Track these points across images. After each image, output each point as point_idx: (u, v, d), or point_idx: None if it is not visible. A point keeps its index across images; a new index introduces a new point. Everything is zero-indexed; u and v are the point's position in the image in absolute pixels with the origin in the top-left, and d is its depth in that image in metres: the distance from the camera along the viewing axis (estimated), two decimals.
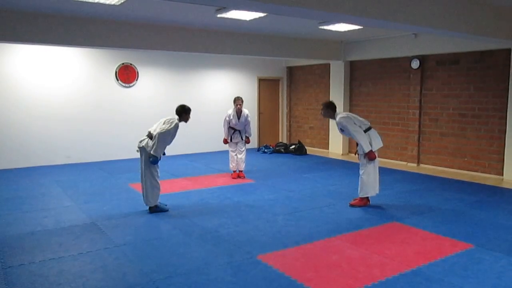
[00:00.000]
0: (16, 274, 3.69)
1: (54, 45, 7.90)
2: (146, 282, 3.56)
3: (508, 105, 7.63)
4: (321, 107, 6.16)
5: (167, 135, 5.47)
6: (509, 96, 7.61)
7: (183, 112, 5.65)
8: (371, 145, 5.81)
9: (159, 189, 5.64)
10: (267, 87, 12.50)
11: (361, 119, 6.03)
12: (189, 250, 4.28)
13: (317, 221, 5.28)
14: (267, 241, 4.55)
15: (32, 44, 7.44)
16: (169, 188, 7.04)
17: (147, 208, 5.68)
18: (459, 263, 3.95)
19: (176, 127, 5.52)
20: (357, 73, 10.70)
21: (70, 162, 9.36)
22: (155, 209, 5.61)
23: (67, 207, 5.89)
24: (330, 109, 6.05)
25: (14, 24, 6.74)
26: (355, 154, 6.18)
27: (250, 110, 11.92)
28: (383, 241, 4.55)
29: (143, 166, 5.56)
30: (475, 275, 3.69)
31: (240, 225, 5.12)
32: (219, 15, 6.68)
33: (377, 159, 5.98)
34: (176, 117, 5.61)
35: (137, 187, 7.07)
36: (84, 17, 7.25)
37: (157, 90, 10.48)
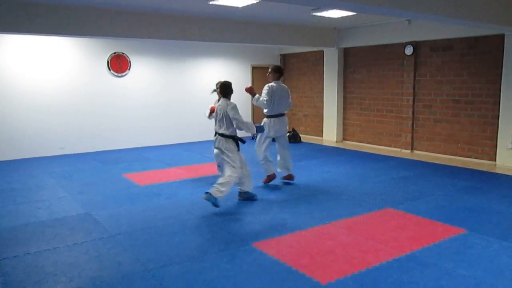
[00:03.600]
0: (11, 266, 3.69)
1: (45, 35, 7.79)
2: (141, 271, 3.58)
3: (501, 91, 7.65)
4: (269, 69, 6.40)
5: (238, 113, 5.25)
6: (502, 81, 7.63)
7: (230, 92, 5.38)
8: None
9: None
10: (260, 75, 12.44)
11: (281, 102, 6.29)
12: (184, 239, 4.29)
13: (311, 208, 5.31)
14: (262, 228, 4.57)
15: (22, 34, 7.33)
16: (164, 177, 7.04)
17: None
18: (452, 247, 4.00)
19: (235, 106, 5.24)
20: (351, 60, 10.68)
21: (63, 153, 9.31)
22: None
23: (61, 198, 5.87)
24: (277, 73, 6.34)
25: (3, 14, 6.63)
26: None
27: (243, 98, 11.93)
28: (377, 227, 4.58)
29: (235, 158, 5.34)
30: (467, 259, 3.73)
31: (235, 213, 5.13)
32: (211, 2, 6.61)
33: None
34: (225, 100, 5.34)
35: (131, 177, 7.08)
36: (75, 6, 7.14)
37: (150, 79, 10.41)
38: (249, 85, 6.23)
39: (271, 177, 6.45)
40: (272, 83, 6.27)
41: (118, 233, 4.47)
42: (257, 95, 6.17)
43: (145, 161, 8.47)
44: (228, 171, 5.25)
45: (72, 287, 3.30)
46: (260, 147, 6.35)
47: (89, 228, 4.62)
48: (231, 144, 5.33)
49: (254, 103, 6.31)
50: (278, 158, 6.51)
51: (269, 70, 6.41)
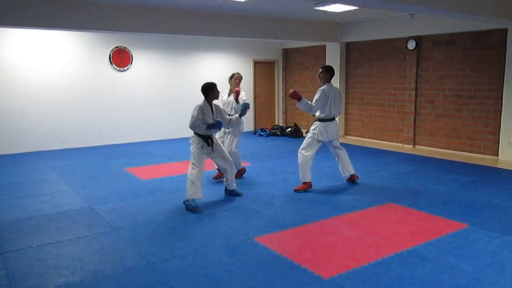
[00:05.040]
0: (14, 259, 3.71)
1: (48, 29, 7.80)
2: (143, 264, 3.59)
3: (504, 86, 7.62)
4: (320, 70, 5.99)
5: (192, 118, 5.22)
6: (505, 76, 7.59)
7: (208, 91, 5.32)
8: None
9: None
10: (262, 70, 12.43)
11: (332, 107, 5.86)
12: (186, 233, 4.30)
13: (313, 202, 5.31)
14: (264, 223, 4.58)
15: (25, 28, 7.32)
16: (166, 171, 7.05)
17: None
18: (454, 242, 4.00)
19: (195, 109, 5.22)
20: (353, 55, 10.64)
21: (65, 147, 9.33)
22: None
23: (63, 191, 5.89)
24: (328, 73, 5.93)
25: (5, 8, 6.62)
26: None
27: (246, 93, 11.89)
28: (379, 222, 4.59)
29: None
30: (469, 254, 3.73)
31: (237, 207, 5.14)
32: None
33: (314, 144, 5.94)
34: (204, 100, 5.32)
35: (133, 171, 7.09)
36: (77, 0, 7.13)
37: (151, 73, 10.40)
38: (291, 89, 5.78)
39: (309, 185, 5.90)
40: (325, 86, 5.86)
41: (120, 227, 4.48)
42: (304, 100, 5.76)
43: (147, 156, 8.48)
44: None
45: (75, 280, 3.31)
46: (307, 151, 5.88)
47: (92, 222, 4.64)
48: (193, 140, 5.32)
49: (300, 107, 5.88)
50: (338, 161, 6.26)
51: (320, 70, 5.96)
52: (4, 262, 3.65)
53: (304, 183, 5.87)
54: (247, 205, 5.23)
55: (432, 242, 4.01)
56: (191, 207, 5.00)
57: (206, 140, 5.28)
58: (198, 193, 5.06)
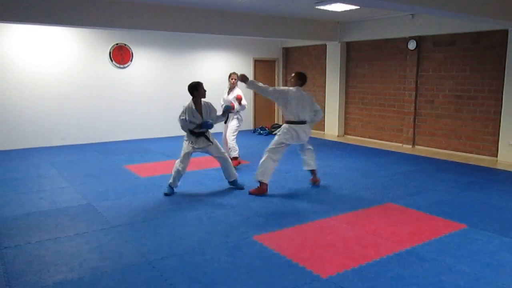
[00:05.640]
0: (13, 255, 3.70)
1: (48, 25, 7.78)
2: (142, 262, 3.59)
3: (504, 87, 7.62)
4: (293, 74, 5.87)
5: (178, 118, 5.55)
6: (505, 77, 7.60)
7: (193, 90, 5.53)
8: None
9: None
10: (262, 68, 12.41)
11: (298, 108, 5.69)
12: (185, 231, 4.30)
13: (312, 202, 5.31)
14: (262, 221, 4.58)
15: (26, 24, 7.32)
16: (165, 169, 7.03)
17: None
18: (453, 243, 4.00)
19: (185, 108, 5.49)
20: (354, 54, 10.63)
21: (65, 144, 9.32)
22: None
23: (62, 188, 5.88)
24: (299, 81, 5.79)
25: (6, 4, 6.60)
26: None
27: (245, 91, 11.88)
28: (378, 222, 4.59)
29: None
30: (468, 254, 3.74)
31: (235, 205, 5.14)
32: None
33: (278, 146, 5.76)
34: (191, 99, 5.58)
35: (133, 168, 7.08)
36: None
37: (152, 71, 10.38)
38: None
39: (264, 190, 5.64)
40: (291, 88, 5.75)
41: (119, 224, 4.48)
42: (253, 80, 5.72)
43: (146, 153, 8.48)
44: None
45: (73, 277, 3.31)
46: (271, 152, 5.71)
47: (90, 219, 4.63)
48: (185, 135, 5.67)
49: (250, 88, 5.79)
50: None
51: (292, 75, 5.86)
52: (2, 258, 3.64)
53: (261, 184, 5.61)
54: (245, 203, 5.23)
55: (431, 242, 4.01)
56: (167, 192, 5.56)
57: (198, 136, 5.56)
58: (176, 183, 5.64)
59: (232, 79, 7.27)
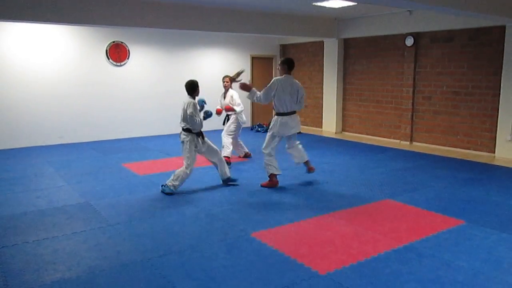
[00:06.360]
0: (10, 254, 3.69)
1: (45, 23, 7.76)
2: (140, 260, 3.58)
3: (502, 83, 7.63)
4: (280, 62, 5.88)
5: (195, 117, 5.43)
6: (502, 73, 7.60)
7: (194, 88, 5.56)
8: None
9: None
10: (260, 65, 12.39)
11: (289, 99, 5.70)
12: (183, 229, 4.30)
13: (311, 198, 5.31)
14: (260, 218, 4.58)
15: (21, 22, 7.26)
16: (163, 167, 7.03)
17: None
18: (451, 239, 4.01)
19: (190, 106, 5.42)
20: (351, 51, 10.62)
21: (62, 143, 9.29)
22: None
23: (60, 187, 5.87)
24: (286, 65, 5.79)
25: (4, 2, 6.56)
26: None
27: (241, 92, 11.84)
28: (376, 218, 4.59)
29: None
30: (466, 250, 3.74)
31: (233, 203, 5.13)
32: None
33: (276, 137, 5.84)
34: (189, 98, 5.55)
35: (130, 166, 7.07)
36: None
37: (149, 69, 10.35)
38: (241, 80, 5.82)
39: (274, 182, 5.84)
40: (278, 77, 5.74)
41: (117, 222, 4.47)
42: (253, 90, 5.70)
43: (144, 151, 8.46)
44: (183, 163, 5.58)
45: (71, 275, 3.30)
46: (266, 148, 5.81)
47: (88, 217, 4.62)
48: (185, 137, 5.53)
49: (249, 98, 5.83)
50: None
51: (278, 62, 5.85)
52: (0, 257, 3.63)
53: (270, 177, 5.81)
54: (244, 200, 5.23)
55: (429, 238, 4.02)
56: (167, 191, 5.48)
57: (198, 136, 5.56)
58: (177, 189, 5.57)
59: (225, 81, 7.31)
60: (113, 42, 9.73)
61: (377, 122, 10.18)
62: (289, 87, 5.68)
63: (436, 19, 8.38)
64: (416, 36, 8.96)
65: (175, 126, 10.55)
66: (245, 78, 11.83)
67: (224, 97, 7.40)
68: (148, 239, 4.03)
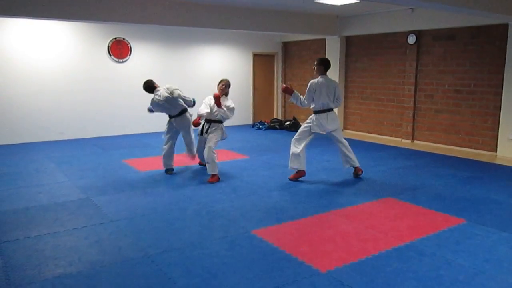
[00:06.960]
0: (12, 249, 3.70)
1: (47, 19, 7.72)
2: (141, 256, 3.59)
3: (504, 82, 7.61)
4: (315, 62, 5.93)
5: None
6: (505, 72, 7.58)
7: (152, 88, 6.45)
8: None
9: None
10: (262, 63, 12.38)
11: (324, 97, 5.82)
12: (184, 225, 4.30)
13: (311, 196, 5.31)
14: (261, 216, 4.58)
15: (23, 17, 7.26)
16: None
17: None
18: (452, 237, 4.01)
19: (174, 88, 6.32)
20: (353, 49, 10.60)
21: (63, 139, 9.30)
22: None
23: (61, 183, 5.87)
24: (322, 66, 5.89)
25: None
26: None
27: (245, 86, 11.86)
28: (377, 216, 4.59)
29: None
30: (467, 249, 3.74)
31: (234, 200, 5.13)
32: None
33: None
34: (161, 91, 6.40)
35: (131, 163, 7.07)
36: None
37: (150, 65, 10.34)
38: (283, 84, 5.73)
39: (300, 174, 6.03)
40: (314, 79, 5.85)
41: (118, 218, 4.48)
42: (296, 93, 5.83)
43: (145, 147, 8.46)
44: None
45: (72, 271, 3.31)
46: (297, 141, 5.95)
47: (89, 213, 4.63)
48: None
49: (292, 100, 5.93)
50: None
51: (315, 62, 5.91)
52: (1, 252, 3.64)
53: (297, 172, 6.02)
54: (245, 198, 5.23)
55: (430, 237, 4.02)
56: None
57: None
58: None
59: (220, 85, 6.21)
60: (115, 38, 9.72)
61: (379, 120, 10.17)
62: (326, 87, 5.84)
63: (438, 17, 8.36)
64: (418, 34, 8.94)
65: None
66: (247, 75, 11.83)
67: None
68: (149, 235, 4.04)
